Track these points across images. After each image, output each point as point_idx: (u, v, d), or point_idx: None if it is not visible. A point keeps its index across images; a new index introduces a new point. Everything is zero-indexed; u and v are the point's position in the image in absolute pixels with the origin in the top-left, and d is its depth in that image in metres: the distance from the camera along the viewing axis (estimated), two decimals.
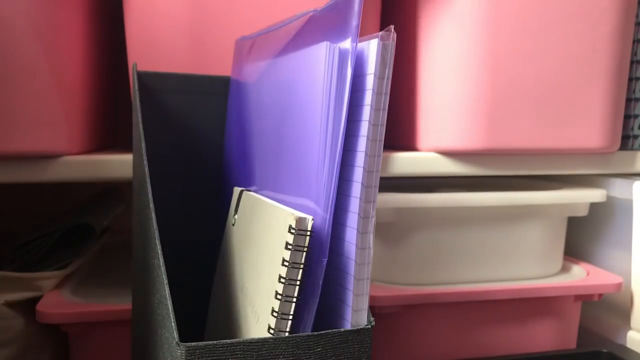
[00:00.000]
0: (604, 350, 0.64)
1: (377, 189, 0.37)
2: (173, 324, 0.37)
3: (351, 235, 0.38)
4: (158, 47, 0.60)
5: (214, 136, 0.59)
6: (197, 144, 0.58)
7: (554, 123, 0.66)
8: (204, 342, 0.35)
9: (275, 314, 0.37)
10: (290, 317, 0.37)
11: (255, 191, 0.48)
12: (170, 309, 0.38)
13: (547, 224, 0.71)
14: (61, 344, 0.65)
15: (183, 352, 0.35)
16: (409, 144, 0.72)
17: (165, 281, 0.39)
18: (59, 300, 0.59)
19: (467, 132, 0.65)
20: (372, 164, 0.37)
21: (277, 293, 0.37)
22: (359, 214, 0.37)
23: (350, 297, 0.38)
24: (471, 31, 0.64)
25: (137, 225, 0.49)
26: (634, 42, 0.70)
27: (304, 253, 0.37)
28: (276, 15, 0.61)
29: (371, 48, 0.37)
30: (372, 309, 0.63)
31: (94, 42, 0.66)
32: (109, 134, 0.75)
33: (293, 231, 0.37)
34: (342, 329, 0.37)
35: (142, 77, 0.56)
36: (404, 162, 0.67)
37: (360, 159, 0.37)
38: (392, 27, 0.36)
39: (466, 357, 0.67)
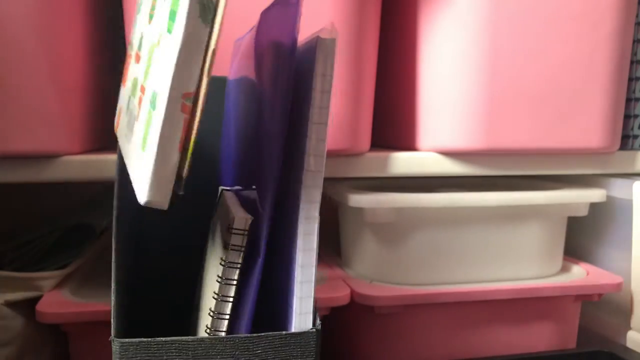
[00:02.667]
0: (604, 350, 0.64)
1: (320, 190, 0.36)
2: (112, 320, 0.37)
3: (295, 236, 0.37)
4: None
5: (213, 135, 0.59)
6: (196, 142, 0.58)
7: (554, 123, 0.66)
8: (138, 339, 0.35)
9: (211, 314, 0.37)
10: (227, 317, 0.37)
11: (237, 191, 0.48)
12: (112, 304, 0.38)
13: (547, 224, 0.71)
14: (61, 344, 0.65)
15: (117, 347, 0.35)
16: (409, 144, 0.72)
17: (113, 277, 0.39)
18: (59, 300, 0.59)
19: (467, 132, 0.65)
20: (315, 164, 0.36)
21: (214, 293, 0.37)
22: (300, 215, 0.36)
23: (294, 300, 0.37)
24: (471, 31, 0.64)
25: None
26: (634, 42, 0.70)
27: (241, 253, 0.36)
28: None
29: (317, 45, 0.36)
30: (372, 309, 0.63)
31: (93, 42, 0.66)
32: (108, 134, 0.75)
33: (231, 230, 0.36)
34: (284, 332, 0.37)
35: None
36: (404, 162, 0.67)
37: (302, 159, 0.37)
38: (332, 22, 0.35)
39: (466, 357, 0.67)
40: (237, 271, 0.37)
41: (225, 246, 0.36)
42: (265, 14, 0.43)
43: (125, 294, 0.46)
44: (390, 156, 0.66)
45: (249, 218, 0.36)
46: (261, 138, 0.39)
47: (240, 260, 0.36)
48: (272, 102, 0.37)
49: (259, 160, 0.40)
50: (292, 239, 0.38)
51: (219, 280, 0.36)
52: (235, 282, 0.37)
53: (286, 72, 0.36)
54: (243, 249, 0.36)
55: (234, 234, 0.36)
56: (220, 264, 0.36)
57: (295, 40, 0.36)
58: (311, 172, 0.36)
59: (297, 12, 0.36)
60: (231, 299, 0.37)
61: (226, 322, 0.37)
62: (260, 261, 0.37)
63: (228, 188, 0.49)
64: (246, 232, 0.36)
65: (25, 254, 0.66)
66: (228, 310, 0.37)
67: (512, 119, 0.65)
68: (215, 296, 0.36)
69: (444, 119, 0.66)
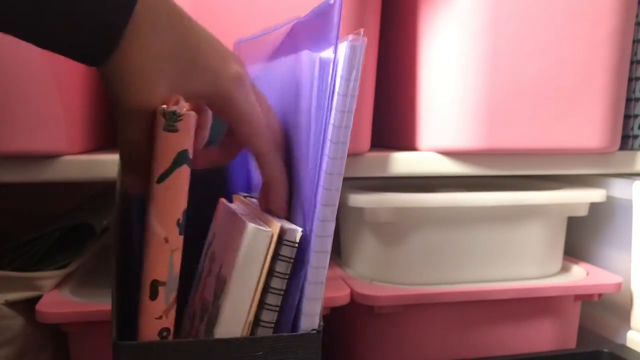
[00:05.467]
0: (604, 350, 0.64)
1: (338, 192, 0.36)
2: (113, 322, 0.37)
3: (310, 238, 0.37)
4: None
5: (215, 137, 0.58)
6: None
7: (554, 123, 0.66)
8: (140, 342, 0.36)
9: (263, 324, 0.37)
10: (273, 325, 0.37)
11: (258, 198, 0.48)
12: (113, 306, 0.38)
13: (547, 224, 0.71)
14: (61, 344, 0.65)
15: (119, 349, 0.35)
16: (409, 144, 0.72)
17: (113, 281, 0.39)
18: (59, 300, 0.59)
19: (467, 132, 0.65)
20: (334, 167, 0.36)
21: (263, 302, 0.37)
22: (317, 217, 0.36)
23: (302, 301, 0.37)
24: (471, 31, 0.64)
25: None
26: (634, 42, 0.70)
27: (290, 264, 0.37)
28: (276, 18, 0.61)
29: (339, 50, 0.36)
30: (372, 309, 0.63)
31: None
32: (109, 134, 0.75)
33: (282, 242, 0.37)
34: (286, 334, 0.37)
35: None
36: (404, 162, 0.67)
37: (324, 161, 0.37)
38: (362, 30, 0.36)
39: (466, 357, 0.67)
40: (286, 282, 0.37)
41: (275, 256, 0.37)
42: (300, 24, 0.43)
43: (126, 294, 0.46)
44: (390, 156, 0.66)
45: (300, 230, 0.37)
46: (294, 147, 0.40)
47: (288, 271, 0.37)
48: (310, 113, 0.37)
49: (297, 170, 0.40)
50: (307, 240, 0.38)
51: (272, 290, 0.37)
52: (282, 292, 0.37)
53: (326, 87, 0.37)
54: (292, 260, 0.37)
55: (285, 245, 0.37)
56: (272, 274, 0.37)
57: (336, 55, 0.36)
58: (331, 175, 0.36)
59: (337, 26, 0.36)
60: (277, 308, 0.37)
61: (272, 330, 0.37)
62: (305, 270, 0.37)
63: (246, 194, 0.49)
64: (297, 245, 0.37)
65: (25, 254, 0.66)
66: (274, 319, 0.37)
67: (512, 119, 0.65)
68: (267, 306, 0.37)
69: (444, 119, 0.66)
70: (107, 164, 0.60)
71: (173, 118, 0.35)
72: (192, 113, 0.36)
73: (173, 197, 0.36)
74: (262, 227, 0.36)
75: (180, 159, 0.35)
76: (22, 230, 0.75)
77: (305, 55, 0.38)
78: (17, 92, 0.56)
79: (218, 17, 0.60)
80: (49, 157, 0.59)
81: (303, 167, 0.39)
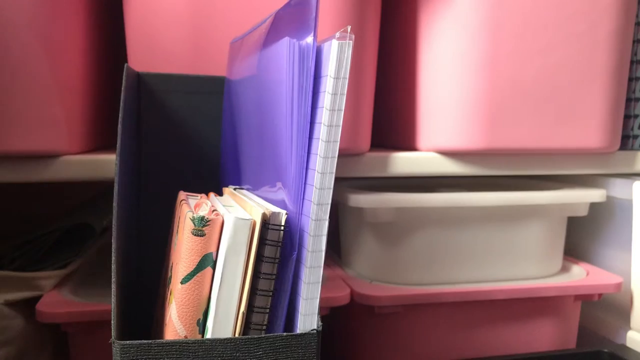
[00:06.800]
0: (605, 350, 0.64)
1: (331, 191, 0.37)
2: (112, 322, 0.37)
3: (304, 238, 0.37)
4: (158, 47, 0.60)
5: (214, 136, 0.59)
6: (197, 143, 0.58)
7: (554, 123, 0.66)
8: (139, 341, 0.36)
9: (256, 309, 0.37)
10: (268, 310, 0.38)
11: (247, 190, 0.48)
12: (112, 306, 0.38)
13: (547, 224, 0.71)
14: (61, 344, 0.65)
15: (118, 349, 0.35)
16: (409, 144, 0.72)
17: (114, 279, 0.40)
18: (59, 300, 0.59)
19: (467, 132, 0.65)
20: (325, 165, 0.36)
21: (255, 289, 0.37)
22: (310, 217, 0.36)
23: (299, 301, 0.37)
24: (471, 31, 0.64)
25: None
26: (634, 42, 0.70)
27: (279, 248, 0.37)
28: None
29: (326, 49, 0.37)
30: (372, 309, 0.63)
31: (94, 43, 0.66)
32: (109, 134, 0.75)
33: (267, 226, 0.37)
34: (284, 334, 0.37)
35: (143, 77, 0.56)
36: (404, 162, 0.67)
37: (313, 161, 0.37)
38: (348, 27, 0.36)
39: (466, 357, 0.67)
40: (276, 265, 0.37)
41: (263, 242, 0.37)
42: (280, 13, 0.43)
43: (125, 294, 0.46)
44: (390, 156, 0.67)
45: (284, 213, 0.37)
46: (281, 139, 0.40)
47: (278, 255, 0.37)
48: (293, 100, 0.38)
49: (280, 158, 0.40)
50: (300, 240, 0.38)
51: (260, 275, 0.37)
52: (274, 276, 0.38)
53: (308, 70, 0.37)
54: (280, 243, 0.37)
55: (271, 229, 0.37)
56: (260, 259, 0.37)
57: (315, 39, 0.36)
58: (322, 174, 0.36)
59: (315, 11, 0.36)
60: (271, 293, 0.38)
61: (267, 315, 0.38)
62: (294, 256, 0.37)
63: (238, 186, 0.50)
64: (282, 227, 0.37)
65: (25, 254, 0.66)
66: (269, 304, 0.38)
67: (512, 119, 0.65)
68: (259, 292, 0.38)
69: (444, 119, 0.66)
70: (107, 164, 0.60)
71: (201, 223, 0.37)
72: (219, 218, 0.37)
73: (195, 298, 0.37)
74: (242, 217, 0.37)
75: (205, 262, 0.37)
76: (22, 230, 0.75)
77: (285, 42, 0.39)
78: (17, 92, 0.56)
79: (217, 16, 0.60)
80: (49, 157, 0.59)
81: (280, 152, 0.39)
